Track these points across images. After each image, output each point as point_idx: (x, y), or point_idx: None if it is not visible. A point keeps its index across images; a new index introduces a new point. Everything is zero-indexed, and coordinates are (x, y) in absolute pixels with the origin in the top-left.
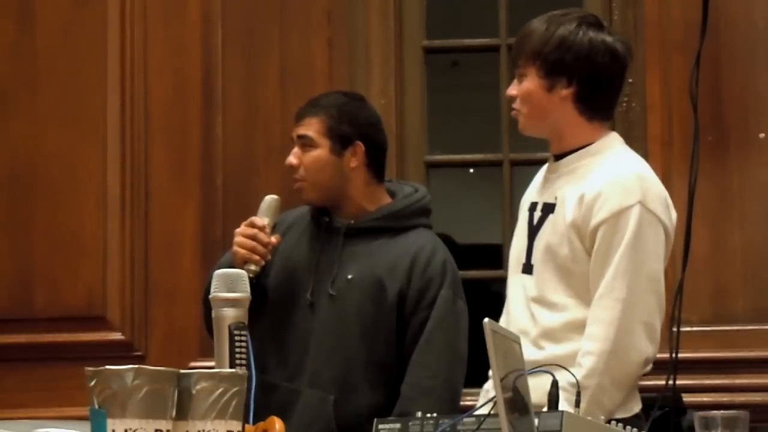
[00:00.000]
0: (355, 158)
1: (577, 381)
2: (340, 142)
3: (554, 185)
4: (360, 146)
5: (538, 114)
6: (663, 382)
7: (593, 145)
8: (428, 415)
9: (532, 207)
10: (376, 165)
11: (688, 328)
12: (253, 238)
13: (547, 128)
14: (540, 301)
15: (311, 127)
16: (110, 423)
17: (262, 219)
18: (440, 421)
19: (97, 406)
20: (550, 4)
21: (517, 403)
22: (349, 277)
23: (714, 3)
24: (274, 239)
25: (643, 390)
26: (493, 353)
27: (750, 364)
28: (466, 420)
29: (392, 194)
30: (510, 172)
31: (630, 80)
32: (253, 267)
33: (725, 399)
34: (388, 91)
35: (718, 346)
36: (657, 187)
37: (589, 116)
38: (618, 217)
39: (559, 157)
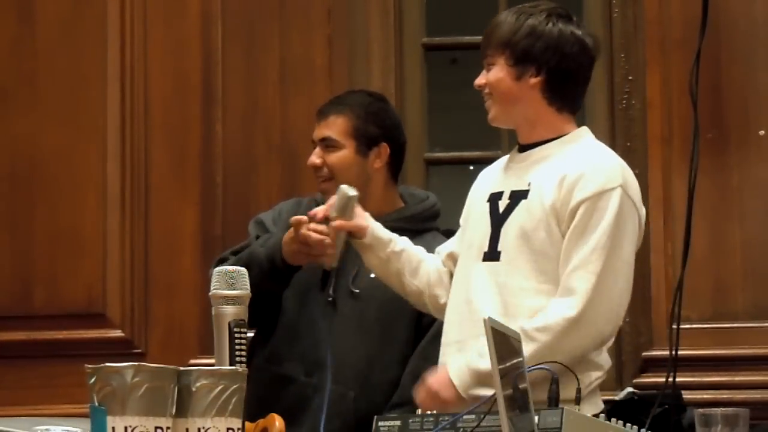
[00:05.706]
0: (379, 159)
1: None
2: (366, 142)
3: (525, 173)
4: (385, 147)
5: (507, 101)
6: (663, 380)
7: (567, 135)
8: (428, 411)
9: (495, 197)
10: (396, 166)
11: (687, 326)
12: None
13: (517, 117)
14: (512, 287)
15: (336, 127)
16: (110, 420)
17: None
18: (440, 419)
19: (97, 404)
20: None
21: (517, 400)
22: (372, 275)
23: (714, 0)
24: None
25: (643, 387)
26: (493, 350)
27: (750, 361)
28: (466, 417)
29: (402, 198)
30: None
31: (630, 77)
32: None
33: (725, 396)
34: (388, 88)
35: (718, 343)
36: (635, 180)
37: (558, 107)
38: (599, 197)
39: (526, 147)
